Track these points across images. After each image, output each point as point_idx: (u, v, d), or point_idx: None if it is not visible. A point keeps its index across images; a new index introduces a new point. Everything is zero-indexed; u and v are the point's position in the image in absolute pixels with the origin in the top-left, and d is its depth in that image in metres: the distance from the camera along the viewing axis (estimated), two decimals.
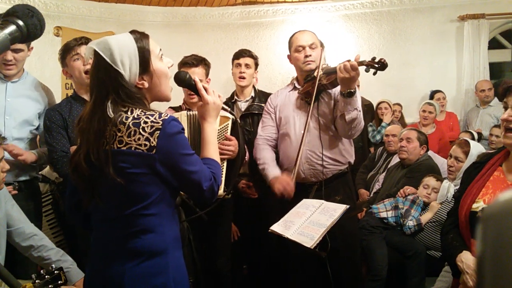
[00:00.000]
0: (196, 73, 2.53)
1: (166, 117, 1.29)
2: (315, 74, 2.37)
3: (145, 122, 1.27)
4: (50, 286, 1.77)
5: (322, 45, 2.56)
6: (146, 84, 1.36)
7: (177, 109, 2.61)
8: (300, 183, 2.46)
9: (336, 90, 2.35)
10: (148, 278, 1.30)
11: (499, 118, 4.62)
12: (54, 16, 4.90)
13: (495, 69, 5.66)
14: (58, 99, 4.54)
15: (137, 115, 1.29)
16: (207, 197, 1.38)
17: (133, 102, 1.31)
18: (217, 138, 2.04)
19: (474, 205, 1.67)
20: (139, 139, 1.26)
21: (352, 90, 2.16)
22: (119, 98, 1.29)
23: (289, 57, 2.59)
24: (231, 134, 2.12)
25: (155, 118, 1.28)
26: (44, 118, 2.54)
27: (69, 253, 2.22)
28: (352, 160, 2.58)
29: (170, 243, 1.35)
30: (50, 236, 2.77)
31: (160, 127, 1.27)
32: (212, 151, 1.49)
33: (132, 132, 1.26)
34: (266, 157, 2.56)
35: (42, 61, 4.88)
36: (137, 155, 1.26)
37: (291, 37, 2.58)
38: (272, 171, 2.47)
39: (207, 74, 2.65)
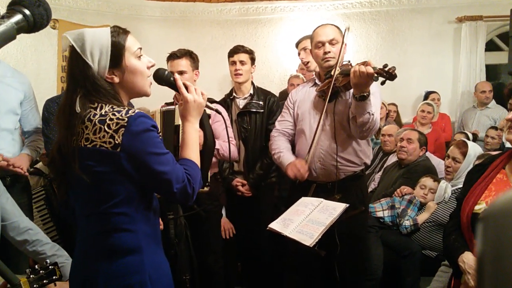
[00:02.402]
0: (181, 65, 2.54)
1: (133, 114, 1.25)
2: (332, 72, 2.31)
3: (111, 119, 1.23)
4: (44, 281, 1.75)
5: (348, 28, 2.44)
6: (117, 79, 1.32)
7: (170, 105, 2.59)
8: (311, 181, 2.41)
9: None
10: (123, 276, 1.28)
11: (497, 119, 4.68)
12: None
13: (492, 71, 5.69)
14: (53, 91, 4.54)
15: (105, 111, 1.25)
16: (178, 199, 1.33)
17: (101, 97, 1.28)
18: (181, 132, 2.01)
19: (476, 207, 1.67)
20: (103, 136, 1.23)
21: (365, 94, 2.08)
22: (86, 92, 1.27)
23: (311, 51, 2.55)
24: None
25: (121, 115, 1.24)
26: (43, 109, 2.54)
27: (63, 248, 2.20)
28: (368, 161, 2.51)
29: (144, 241, 1.32)
30: (43, 232, 2.74)
31: (125, 124, 1.23)
32: (192, 152, 1.42)
33: (98, 129, 1.23)
34: (280, 146, 2.53)
35: (38, 54, 4.84)
36: (101, 153, 1.23)
37: (312, 32, 2.50)
38: (287, 157, 2.44)
39: (194, 67, 2.63)
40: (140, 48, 1.37)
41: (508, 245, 0.51)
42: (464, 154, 2.77)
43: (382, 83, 2.02)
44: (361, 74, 2.00)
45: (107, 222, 1.28)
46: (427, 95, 5.23)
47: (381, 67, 1.98)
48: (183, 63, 2.56)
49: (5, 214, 2.08)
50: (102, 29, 1.31)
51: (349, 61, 2.40)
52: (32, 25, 0.84)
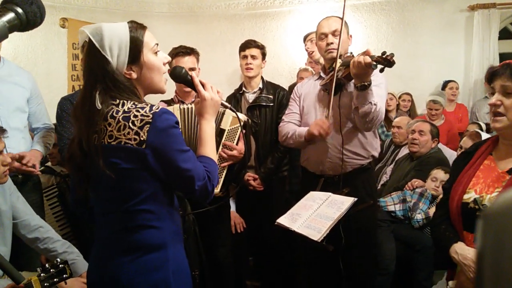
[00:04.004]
0: (190, 62, 2.55)
1: (157, 110, 1.24)
2: (334, 65, 2.30)
3: (135, 116, 1.23)
4: (55, 279, 1.77)
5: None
6: (134, 75, 1.31)
7: (169, 102, 2.60)
8: (318, 175, 2.42)
9: None
10: (147, 273, 1.28)
11: None
12: (60, 7, 4.88)
13: (506, 60, 5.54)
14: (64, 90, 4.58)
15: (128, 108, 1.25)
16: (199, 197, 1.33)
17: (121, 92, 1.27)
18: (225, 137, 2.03)
19: (466, 196, 1.61)
20: (128, 133, 1.22)
21: (366, 84, 2.07)
22: (106, 88, 1.26)
23: (317, 44, 2.54)
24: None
25: (145, 112, 1.23)
26: (57, 107, 2.56)
27: (76, 244, 2.22)
28: (376, 154, 2.48)
29: (168, 238, 1.32)
30: (56, 229, 2.77)
31: (150, 120, 1.22)
32: (209, 149, 1.43)
33: (122, 126, 1.23)
34: (291, 127, 2.51)
35: (48, 53, 4.88)
36: (126, 150, 1.22)
37: (317, 24, 2.50)
38: (303, 128, 2.42)
39: (198, 63, 2.65)
40: (157, 44, 1.36)
41: (509, 245, 0.50)
42: None
43: (381, 70, 1.99)
44: (358, 64, 1.99)
45: (133, 219, 1.28)
46: (445, 84, 5.14)
47: (379, 54, 1.96)
48: (191, 60, 2.58)
49: (16, 213, 2.11)
50: (120, 24, 1.30)
51: (351, 53, 2.38)
52: (25, 24, 0.83)
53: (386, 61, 1.92)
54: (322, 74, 2.53)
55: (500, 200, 0.52)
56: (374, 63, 1.97)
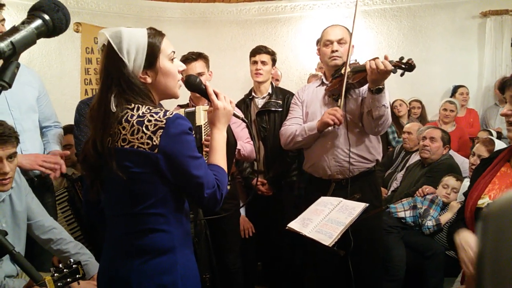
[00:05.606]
0: (197, 67, 2.57)
1: (171, 116, 1.26)
2: (343, 71, 2.33)
3: (149, 121, 1.25)
4: (68, 279, 1.79)
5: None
6: (149, 80, 1.33)
7: (184, 107, 2.62)
8: (326, 179, 2.45)
9: (363, 87, 2.33)
10: (156, 276, 1.29)
11: None
12: (73, 12, 4.94)
13: None
14: (77, 94, 4.64)
15: (142, 113, 1.27)
16: (207, 205, 1.33)
17: (135, 95, 1.29)
18: (204, 132, 2.06)
19: (480, 201, 1.62)
20: (141, 137, 1.24)
21: (381, 87, 2.13)
22: (121, 90, 1.28)
23: (318, 50, 2.57)
24: None
25: (159, 117, 1.25)
26: (75, 111, 2.56)
27: (87, 247, 2.24)
28: (379, 158, 2.55)
29: (178, 242, 1.34)
30: (67, 232, 2.79)
31: (164, 126, 1.24)
32: (220, 158, 1.44)
33: (136, 130, 1.25)
34: (296, 127, 2.53)
35: (62, 57, 4.94)
36: (139, 153, 1.24)
37: (323, 31, 2.55)
38: (312, 122, 2.44)
39: (208, 67, 2.67)
40: (174, 52, 1.39)
41: (507, 244, 0.50)
42: (491, 152, 2.70)
43: (402, 74, 2.06)
44: (379, 70, 2.04)
45: (142, 222, 1.30)
46: (455, 89, 5.12)
47: (398, 60, 2.03)
48: (199, 65, 2.59)
49: (30, 214, 2.14)
50: (139, 29, 1.33)
51: (355, 60, 2.43)
52: (52, 30, 0.86)
53: (408, 65, 2.01)
54: (324, 81, 2.57)
55: (499, 201, 0.53)
56: (393, 67, 2.03)
